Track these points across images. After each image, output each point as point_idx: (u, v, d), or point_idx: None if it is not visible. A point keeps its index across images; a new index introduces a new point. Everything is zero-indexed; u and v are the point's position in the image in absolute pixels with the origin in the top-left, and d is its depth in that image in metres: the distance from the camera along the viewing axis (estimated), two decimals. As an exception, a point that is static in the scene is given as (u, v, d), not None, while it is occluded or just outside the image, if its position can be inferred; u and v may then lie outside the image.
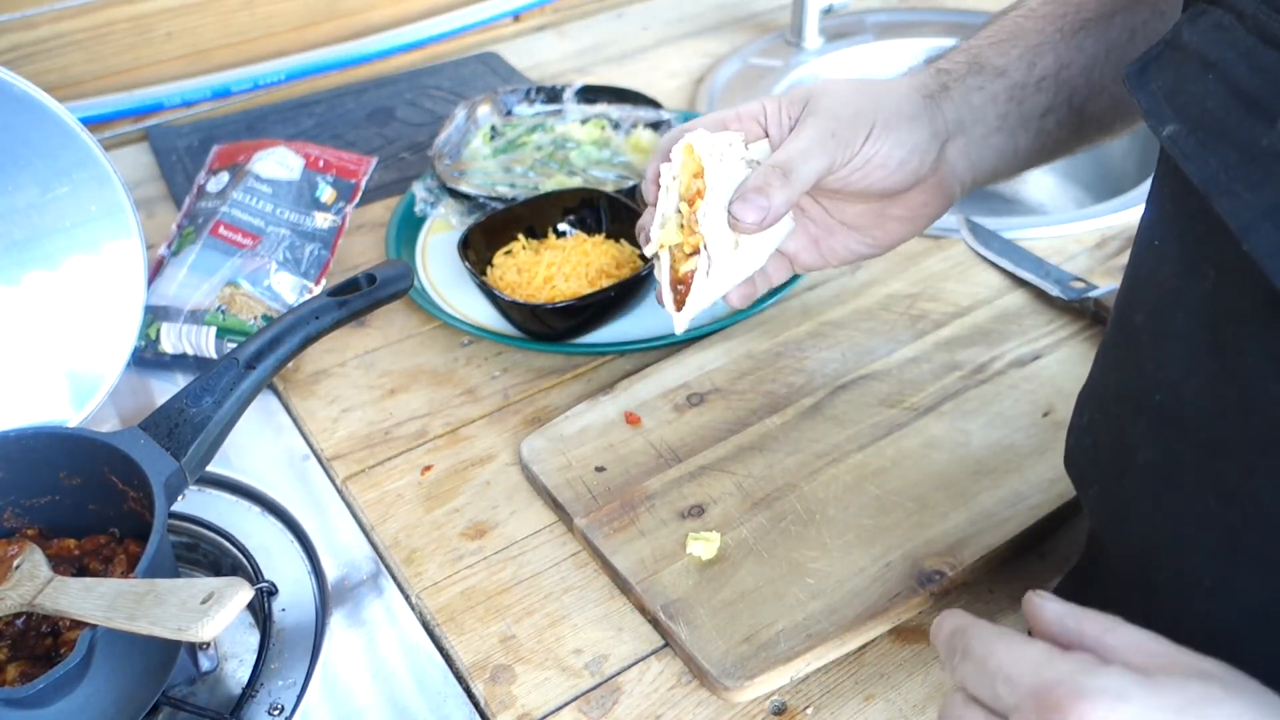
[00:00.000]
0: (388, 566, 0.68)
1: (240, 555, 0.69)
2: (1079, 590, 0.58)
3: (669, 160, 0.58)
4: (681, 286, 0.57)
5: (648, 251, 0.58)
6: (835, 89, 0.57)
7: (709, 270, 0.56)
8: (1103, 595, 0.53)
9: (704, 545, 0.64)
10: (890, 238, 0.62)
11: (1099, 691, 0.33)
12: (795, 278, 0.85)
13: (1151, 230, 0.46)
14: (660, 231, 0.57)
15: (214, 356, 0.81)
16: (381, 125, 1.16)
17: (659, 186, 0.58)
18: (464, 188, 0.94)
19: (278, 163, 0.94)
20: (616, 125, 1.02)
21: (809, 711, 0.58)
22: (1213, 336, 0.40)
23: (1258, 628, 0.42)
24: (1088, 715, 0.33)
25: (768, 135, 0.58)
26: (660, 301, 0.59)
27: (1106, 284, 0.81)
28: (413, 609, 0.65)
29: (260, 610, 0.65)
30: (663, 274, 0.58)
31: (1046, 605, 0.39)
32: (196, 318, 0.81)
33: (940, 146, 0.58)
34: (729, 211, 0.54)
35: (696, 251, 0.56)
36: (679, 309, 0.58)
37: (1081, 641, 0.37)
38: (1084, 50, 0.59)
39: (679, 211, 0.57)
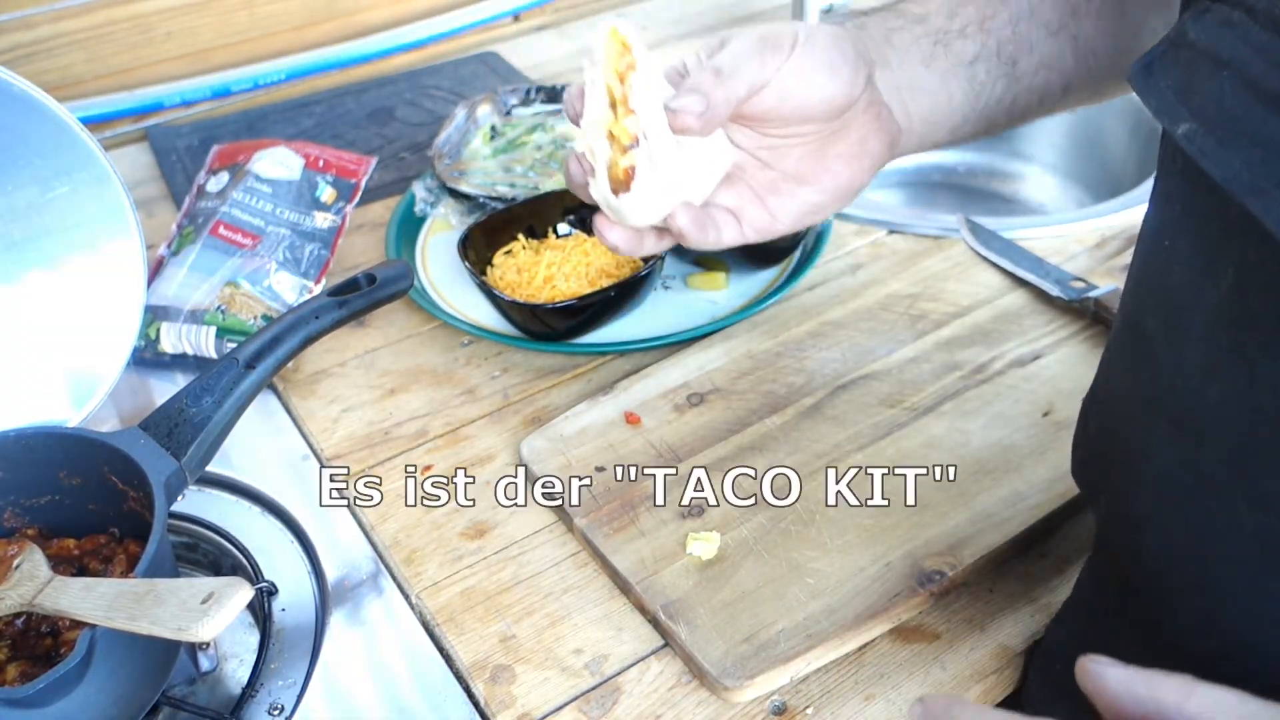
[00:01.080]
0: (387, 566, 0.68)
1: (240, 555, 0.69)
2: (1086, 606, 0.57)
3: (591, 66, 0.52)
4: (625, 190, 0.52)
5: (578, 148, 0.52)
6: (751, 27, 0.54)
7: (652, 157, 0.50)
8: (1114, 608, 0.53)
9: (704, 545, 0.64)
10: (839, 181, 0.57)
11: None
12: (794, 278, 0.85)
13: (1159, 232, 0.45)
14: (591, 128, 0.51)
15: (214, 356, 0.81)
16: (381, 125, 1.16)
17: (584, 95, 0.52)
18: (464, 188, 0.94)
19: (278, 162, 0.94)
20: (616, 125, 1.02)
21: (809, 711, 0.58)
22: (1234, 339, 0.39)
23: None
24: None
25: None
26: (602, 230, 0.53)
27: (1106, 284, 0.81)
28: (413, 609, 0.65)
29: (260, 610, 0.65)
30: (599, 169, 0.52)
31: (1108, 673, 0.34)
32: (196, 317, 0.81)
33: (868, 70, 0.55)
34: (667, 109, 0.50)
35: (634, 145, 0.50)
36: (622, 192, 0.51)
37: (1160, 711, 0.34)
38: (1007, 5, 0.58)
39: (609, 95, 0.51)
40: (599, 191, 0.52)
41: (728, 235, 0.56)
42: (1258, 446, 0.39)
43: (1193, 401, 0.42)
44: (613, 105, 0.51)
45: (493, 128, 1.03)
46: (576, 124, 0.53)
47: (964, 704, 0.36)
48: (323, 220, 0.92)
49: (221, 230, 0.87)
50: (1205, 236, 0.40)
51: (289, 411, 0.79)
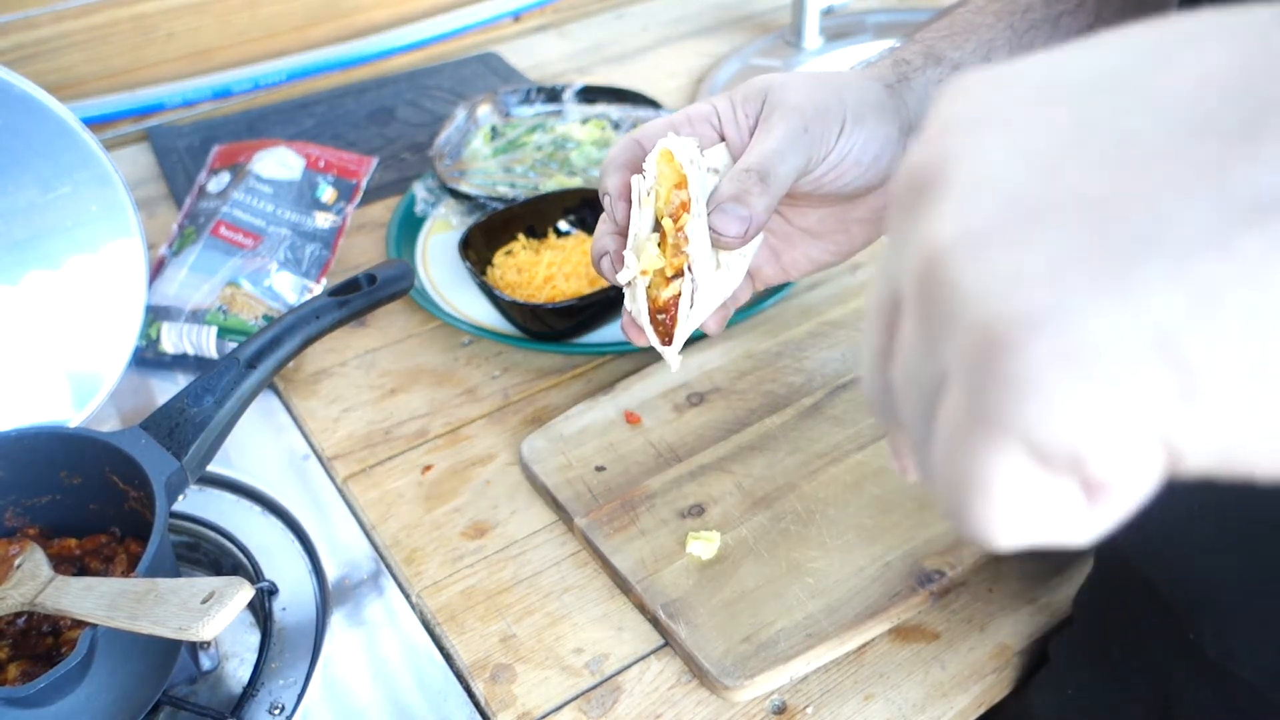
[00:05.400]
0: (388, 566, 0.68)
1: (241, 555, 0.69)
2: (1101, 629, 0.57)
3: (640, 173, 0.51)
4: (663, 315, 0.50)
5: (622, 279, 0.50)
6: (794, 81, 0.51)
7: (694, 296, 0.49)
8: (1130, 624, 0.52)
9: (704, 545, 0.64)
10: (854, 243, 0.57)
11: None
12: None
13: None
14: (637, 257, 0.50)
15: (215, 356, 0.81)
16: (382, 125, 1.16)
17: (628, 202, 0.51)
18: (464, 188, 0.94)
19: (278, 163, 0.94)
20: (616, 125, 1.02)
21: (809, 711, 0.58)
22: None
23: None
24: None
25: (723, 138, 0.53)
26: (632, 336, 0.52)
27: (1106, 284, 0.81)
28: (413, 608, 0.65)
29: (261, 609, 0.65)
30: (639, 303, 0.50)
31: None
32: (197, 317, 0.81)
33: (904, 143, 0.54)
34: (712, 230, 0.48)
35: (677, 275, 0.49)
36: (666, 343, 0.51)
37: None
38: (1033, 49, 0.58)
39: (658, 230, 0.50)
40: (635, 308, 0.51)
41: (743, 298, 0.57)
42: None
43: None
44: (657, 226, 0.50)
45: (493, 128, 1.03)
46: (621, 235, 0.51)
47: None
48: (323, 220, 0.92)
49: (222, 230, 0.87)
50: None
51: (289, 411, 0.79)
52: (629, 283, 0.51)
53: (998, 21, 0.58)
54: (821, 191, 0.52)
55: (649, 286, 0.50)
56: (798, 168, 0.49)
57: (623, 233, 0.51)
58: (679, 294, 0.49)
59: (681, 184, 0.49)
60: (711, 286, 0.50)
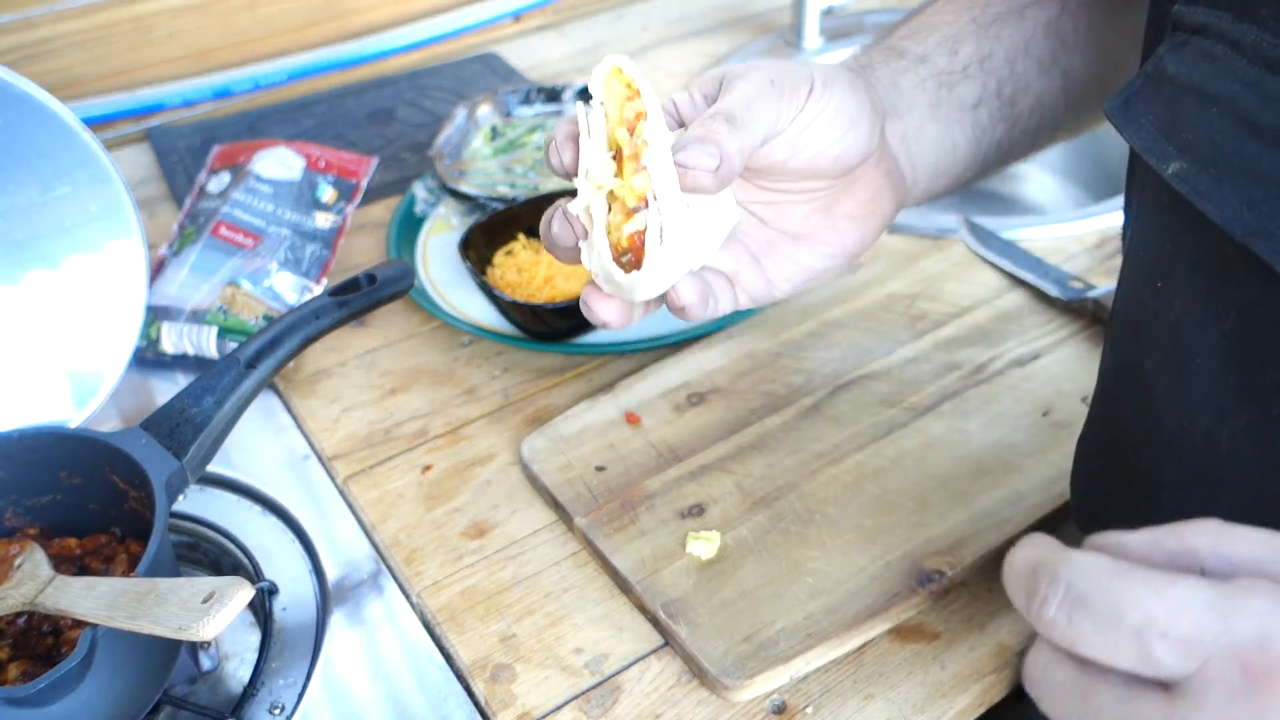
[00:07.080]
0: (388, 566, 0.68)
1: (241, 554, 0.69)
2: None
3: (586, 103, 0.44)
4: (627, 257, 0.44)
5: (574, 208, 0.44)
6: (753, 64, 0.47)
7: (662, 230, 0.42)
8: None
9: (704, 545, 0.64)
10: (845, 243, 0.52)
11: None
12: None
13: (1149, 272, 0.43)
14: (589, 184, 0.43)
15: (215, 356, 0.81)
16: (382, 125, 1.16)
17: (576, 141, 0.44)
18: (464, 188, 0.94)
19: (278, 163, 0.94)
20: (617, 125, 1.02)
21: (809, 711, 0.58)
22: (1241, 381, 0.37)
23: None
24: None
25: (683, 125, 0.47)
26: (593, 303, 0.46)
27: (1105, 284, 0.81)
28: (413, 608, 0.65)
29: (261, 609, 0.65)
30: (597, 236, 0.43)
31: (1126, 539, 0.30)
32: (197, 317, 0.81)
33: (882, 122, 0.50)
34: (677, 165, 0.42)
35: (640, 207, 0.43)
36: (632, 270, 0.43)
37: (1197, 561, 0.30)
38: (1002, 41, 0.56)
39: (614, 150, 0.43)
40: (596, 261, 0.44)
41: (724, 304, 0.49)
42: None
43: (1206, 447, 0.40)
44: (615, 158, 0.44)
45: (493, 128, 1.03)
46: (565, 177, 0.45)
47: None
48: (323, 220, 0.92)
49: (223, 230, 0.87)
50: (1202, 275, 0.39)
51: (290, 411, 0.79)
52: (581, 212, 0.44)
53: (958, 18, 0.56)
54: (797, 160, 0.47)
55: (610, 229, 0.43)
56: (767, 116, 0.45)
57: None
58: (644, 229, 0.43)
59: (635, 97, 0.43)
60: (683, 230, 0.43)
